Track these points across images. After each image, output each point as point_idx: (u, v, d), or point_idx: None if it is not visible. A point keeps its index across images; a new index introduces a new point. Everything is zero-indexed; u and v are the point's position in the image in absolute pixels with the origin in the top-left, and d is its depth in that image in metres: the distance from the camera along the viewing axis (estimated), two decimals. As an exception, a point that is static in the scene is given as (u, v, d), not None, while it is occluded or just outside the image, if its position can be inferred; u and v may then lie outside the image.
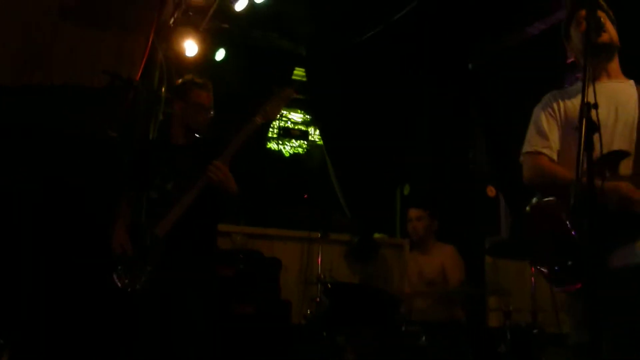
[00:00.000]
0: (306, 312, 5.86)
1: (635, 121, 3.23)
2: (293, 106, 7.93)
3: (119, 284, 4.25)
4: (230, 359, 5.22)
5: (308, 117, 8.10)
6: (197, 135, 4.54)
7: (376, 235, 7.58)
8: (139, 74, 6.04)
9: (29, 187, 5.35)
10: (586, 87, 2.72)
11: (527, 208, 3.36)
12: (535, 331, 5.19)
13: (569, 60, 3.62)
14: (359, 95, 7.45)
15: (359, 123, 7.47)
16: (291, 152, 8.02)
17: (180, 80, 4.70)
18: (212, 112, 4.58)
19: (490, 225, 7.46)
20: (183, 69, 6.25)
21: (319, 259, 6.09)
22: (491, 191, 7.44)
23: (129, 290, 4.20)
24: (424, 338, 5.35)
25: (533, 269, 5.35)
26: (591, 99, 2.67)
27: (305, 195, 7.81)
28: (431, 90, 7.74)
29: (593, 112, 2.65)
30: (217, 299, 4.47)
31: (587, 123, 2.61)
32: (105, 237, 4.60)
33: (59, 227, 5.38)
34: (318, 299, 5.65)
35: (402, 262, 7.31)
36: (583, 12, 3.29)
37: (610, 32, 3.34)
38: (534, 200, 3.35)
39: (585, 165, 2.54)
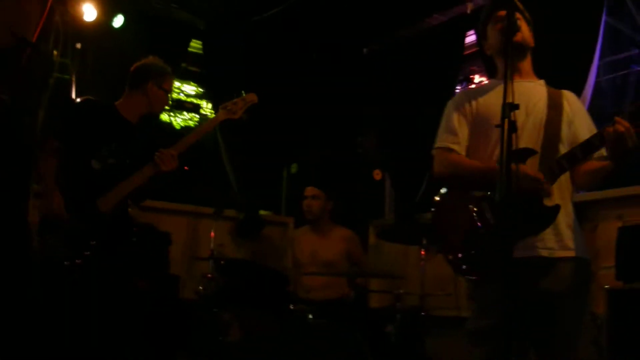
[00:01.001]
0: (197, 288, 5.84)
1: (544, 121, 3.40)
2: (186, 78, 7.86)
3: (50, 253, 4.11)
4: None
5: (201, 90, 8.04)
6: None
7: (262, 213, 7.62)
8: (36, 36, 5.86)
9: None
10: (507, 87, 2.85)
11: (437, 198, 3.52)
12: (422, 313, 5.36)
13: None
14: (254, 73, 7.45)
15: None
16: (182, 124, 7.97)
17: (152, 61, 4.67)
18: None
19: (375, 209, 7.62)
20: (80, 34, 6.13)
21: (212, 234, 6.07)
22: (377, 175, 7.59)
23: (65, 262, 4.09)
24: (310, 316, 5.46)
25: (423, 253, 5.52)
26: (512, 99, 2.81)
27: (186, 167, 7.77)
28: (324, 73, 7.80)
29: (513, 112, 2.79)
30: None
31: (508, 123, 2.75)
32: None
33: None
34: (209, 275, 5.65)
35: (286, 240, 7.42)
36: (501, 13, 3.43)
37: (524, 32, 3.48)
38: (443, 190, 3.51)
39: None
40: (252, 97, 4.70)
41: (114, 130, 4.43)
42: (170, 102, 4.62)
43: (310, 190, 6.51)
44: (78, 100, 5.37)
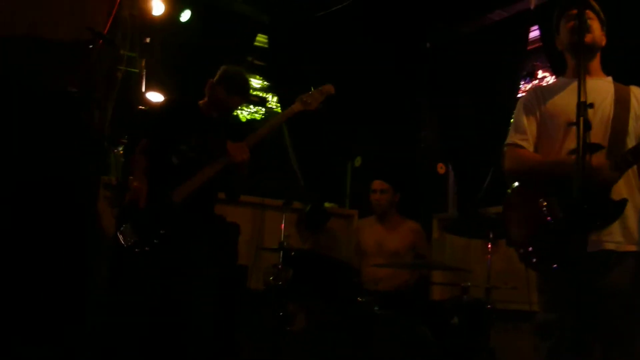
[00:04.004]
0: (266, 279, 5.95)
1: (610, 117, 3.46)
2: (252, 72, 7.96)
3: (123, 242, 4.29)
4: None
5: (267, 83, 8.13)
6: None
7: (327, 205, 7.71)
8: (106, 30, 5.99)
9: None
10: (580, 86, 2.92)
11: (508, 191, 3.61)
12: (488, 307, 5.40)
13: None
14: (318, 66, 7.52)
15: (317, 94, 7.55)
16: (248, 117, 8.08)
17: (236, 71, 4.77)
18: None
19: (439, 203, 7.66)
20: (148, 28, 6.24)
21: (282, 226, 6.16)
22: (441, 168, 7.63)
23: (136, 250, 4.27)
24: (377, 307, 5.53)
25: (490, 247, 5.57)
26: (587, 98, 2.87)
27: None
28: (388, 67, 7.85)
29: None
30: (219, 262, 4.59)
31: (583, 122, 2.82)
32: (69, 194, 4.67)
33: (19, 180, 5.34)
34: (280, 266, 5.75)
35: (350, 233, 7.49)
36: (573, 10, 3.48)
37: (595, 33, 3.53)
38: (515, 184, 3.58)
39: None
40: (329, 89, 4.76)
41: (193, 126, 4.58)
42: (238, 110, 4.68)
43: (378, 184, 6.56)
44: (163, 99, 5.55)
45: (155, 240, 4.26)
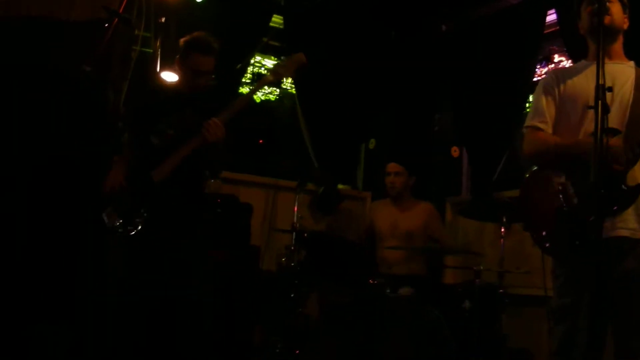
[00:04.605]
0: (280, 260, 5.96)
1: (630, 101, 3.44)
2: (268, 52, 7.93)
3: (108, 223, 4.30)
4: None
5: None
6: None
7: (340, 187, 7.71)
8: (121, 10, 5.97)
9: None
10: (599, 69, 2.89)
11: (526, 175, 3.60)
12: (500, 291, 5.40)
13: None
14: (334, 48, 7.50)
15: (332, 75, 7.53)
16: (263, 98, 8.06)
17: (185, 38, 4.65)
18: (210, 78, 4.58)
19: (452, 186, 7.64)
20: (163, 8, 6.22)
21: (295, 208, 6.17)
22: (455, 151, 7.61)
23: (120, 231, 4.26)
24: (388, 290, 5.53)
25: (503, 230, 5.56)
26: (605, 82, 2.85)
27: (261, 141, 7.90)
28: (402, 50, 7.83)
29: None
30: (207, 243, 4.55)
31: (602, 105, 2.80)
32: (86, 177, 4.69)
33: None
34: (292, 247, 5.75)
35: (363, 215, 7.49)
36: (594, -7, 3.46)
37: (614, 15, 3.51)
38: (533, 168, 3.58)
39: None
40: (300, 57, 4.59)
41: (170, 106, 4.57)
42: (208, 81, 4.56)
43: (392, 167, 6.56)
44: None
45: (137, 220, 4.24)
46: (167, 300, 4.24)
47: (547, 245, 3.42)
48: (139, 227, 4.22)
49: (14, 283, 4.99)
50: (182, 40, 4.65)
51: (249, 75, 7.73)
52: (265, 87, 7.89)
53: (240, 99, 4.44)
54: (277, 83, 4.63)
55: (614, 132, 3.24)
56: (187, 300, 4.27)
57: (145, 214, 4.25)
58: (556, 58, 7.17)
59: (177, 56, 4.62)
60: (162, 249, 4.29)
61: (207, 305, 4.38)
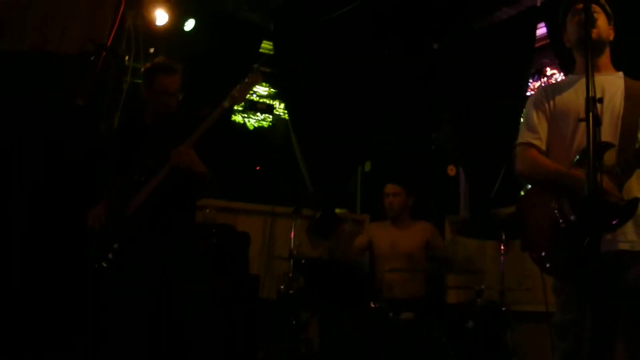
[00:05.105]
0: (279, 287, 5.91)
1: (620, 113, 3.41)
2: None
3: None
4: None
5: (274, 90, 8.09)
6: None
7: (337, 211, 7.66)
8: (110, 42, 5.96)
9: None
10: (588, 81, 2.86)
11: (522, 193, 3.55)
12: (503, 309, 5.35)
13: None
14: (325, 71, 7.49)
15: (325, 99, 7.50)
16: (256, 125, 8.03)
17: (145, 66, 4.68)
18: (179, 96, 4.58)
19: (450, 205, 7.60)
20: (152, 38, 6.22)
21: (292, 234, 6.13)
22: (452, 170, 7.57)
23: (95, 266, 4.30)
24: (391, 314, 5.48)
25: (503, 248, 5.52)
26: (595, 94, 2.81)
27: (258, 168, 7.87)
28: (396, 70, 7.80)
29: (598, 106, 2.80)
30: (195, 269, 4.50)
31: (592, 117, 2.76)
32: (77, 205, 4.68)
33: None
34: (291, 274, 5.71)
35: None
36: (579, 6, 3.43)
37: (601, 28, 3.49)
38: (528, 187, 3.54)
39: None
40: (255, 79, 4.59)
41: (144, 139, 4.55)
42: (179, 97, 4.57)
43: (390, 188, 6.56)
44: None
45: (109, 256, 4.27)
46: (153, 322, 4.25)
47: (548, 265, 3.37)
48: (111, 260, 4.26)
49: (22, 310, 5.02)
50: (142, 69, 4.70)
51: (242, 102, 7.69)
52: (258, 114, 7.89)
53: (201, 127, 4.37)
54: (230, 108, 4.57)
55: (608, 146, 3.21)
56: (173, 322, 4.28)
57: (116, 247, 4.27)
58: (548, 71, 7.15)
59: (142, 84, 4.63)
60: (141, 277, 4.27)
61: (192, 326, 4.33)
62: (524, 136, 3.64)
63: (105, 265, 4.27)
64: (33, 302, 5.09)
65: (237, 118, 7.71)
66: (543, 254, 3.37)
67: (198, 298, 4.34)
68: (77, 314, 5.09)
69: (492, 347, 5.32)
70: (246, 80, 4.55)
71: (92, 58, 5.51)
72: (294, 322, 5.60)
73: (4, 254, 5.08)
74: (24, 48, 5.68)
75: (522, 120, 3.75)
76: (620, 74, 3.60)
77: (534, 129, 3.61)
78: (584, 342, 2.82)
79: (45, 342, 5.06)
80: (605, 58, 3.60)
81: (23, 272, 5.12)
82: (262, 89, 7.99)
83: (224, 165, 6.45)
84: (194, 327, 4.29)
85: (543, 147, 3.58)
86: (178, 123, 4.50)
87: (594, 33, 3.36)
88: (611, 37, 3.59)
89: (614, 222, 3.18)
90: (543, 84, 6.81)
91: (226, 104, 4.50)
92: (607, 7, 3.57)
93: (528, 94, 6.60)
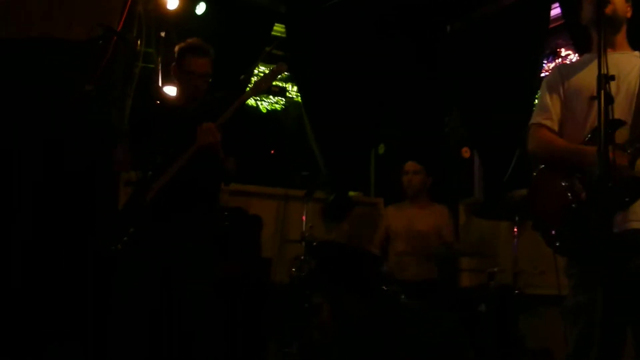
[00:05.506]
0: (291, 271, 5.89)
1: (636, 91, 3.37)
2: (271, 62, 7.87)
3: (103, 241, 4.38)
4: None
5: (286, 73, 8.04)
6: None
7: (351, 194, 7.62)
8: (120, 27, 5.94)
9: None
10: (601, 59, 2.81)
11: (534, 173, 3.53)
12: (516, 292, 5.32)
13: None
14: (338, 54, 7.43)
15: (337, 81, 7.45)
16: (268, 108, 8.00)
17: (180, 45, 4.65)
18: (209, 79, 4.55)
19: (465, 187, 7.56)
20: (163, 23, 6.19)
21: (304, 217, 6.10)
22: (466, 152, 7.53)
23: (111, 248, 4.27)
24: (403, 297, 5.45)
25: (516, 229, 5.48)
26: (608, 71, 2.77)
27: (272, 151, 7.84)
28: (408, 53, 7.74)
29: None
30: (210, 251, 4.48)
31: (604, 95, 2.71)
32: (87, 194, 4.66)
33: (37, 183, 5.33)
34: (302, 257, 5.68)
35: (377, 221, 7.40)
36: (595, -17, 3.38)
37: (617, 4, 3.44)
38: (540, 166, 3.51)
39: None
40: (281, 68, 4.55)
41: (169, 122, 4.54)
42: (206, 83, 4.54)
43: (411, 165, 6.58)
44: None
45: (125, 238, 4.23)
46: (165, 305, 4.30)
47: (558, 244, 3.34)
48: (124, 242, 4.23)
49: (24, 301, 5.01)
50: (176, 47, 4.66)
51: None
52: (271, 97, 7.85)
53: (230, 109, 4.34)
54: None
55: (620, 123, 3.19)
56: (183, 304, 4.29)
57: (132, 231, 4.24)
58: (563, 52, 7.08)
59: (173, 64, 4.61)
60: (158, 257, 4.28)
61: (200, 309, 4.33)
62: (535, 117, 3.66)
63: (120, 247, 4.23)
64: (34, 302, 5.08)
65: (250, 101, 7.66)
66: (553, 232, 3.34)
67: (204, 295, 4.35)
68: (77, 314, 5.08)
69: (505, 330, 5.28)
70: (273, 68, 4.52)
71: (101, 42, 5.49)
72: (305, 306, 5.56)
73: (4, 254, 5.07)
74: (32, 35, 5.64)
75: (537, 99, 3.73)
76: (637, 52, 3.57)
77: (545, 109, 3.62)
78: (596, 326, 2.80)
79: (46, 342, 5.06)
80: (621, 36, 3.57)
81: (24, 271, 5.10)
82: (274, 72, 7.93)
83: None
84: (201, 320, 4.31)
85: (555, 127, 3.59)
86: (204, 106, 4.47)
87: (609, 9, 3.33)
88: (629, 15, 3.55)
89: (627, 200, 3.15)
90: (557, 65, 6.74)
91: (251, 92, 4.56)
92: None
93: (542, 75, 6.53)
